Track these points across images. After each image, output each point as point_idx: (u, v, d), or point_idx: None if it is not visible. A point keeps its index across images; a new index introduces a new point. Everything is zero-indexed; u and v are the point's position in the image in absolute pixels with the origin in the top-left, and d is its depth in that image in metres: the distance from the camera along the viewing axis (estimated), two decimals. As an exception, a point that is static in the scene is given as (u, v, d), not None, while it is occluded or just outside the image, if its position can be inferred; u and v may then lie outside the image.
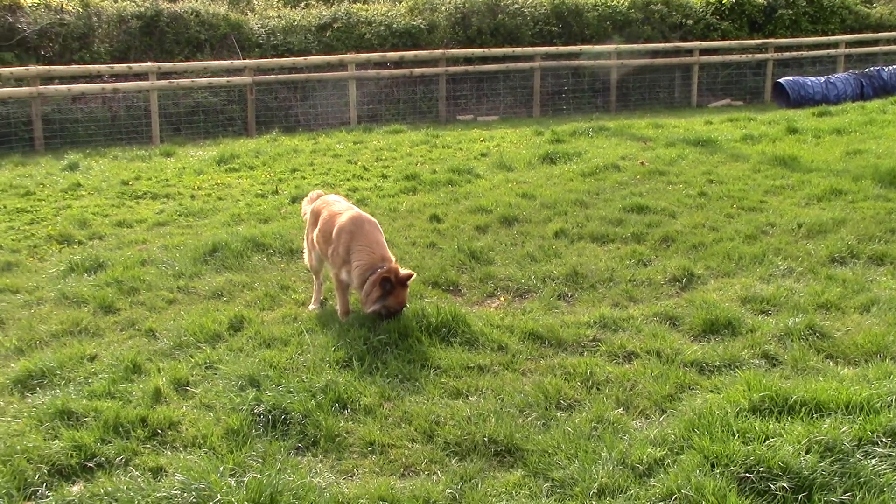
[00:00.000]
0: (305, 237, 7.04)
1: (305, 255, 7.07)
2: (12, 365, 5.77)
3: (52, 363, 5.64)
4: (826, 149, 12.49)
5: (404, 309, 6.17)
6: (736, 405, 4.61)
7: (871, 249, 7.51)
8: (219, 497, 3.80)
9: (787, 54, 23.34)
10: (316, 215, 6.75)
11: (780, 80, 20.82)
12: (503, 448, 4.49)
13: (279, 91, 19.35)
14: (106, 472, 4.35)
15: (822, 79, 20.57)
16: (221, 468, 4.13)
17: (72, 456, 4.43)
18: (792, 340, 5.67)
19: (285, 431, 4.69)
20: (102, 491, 4.10)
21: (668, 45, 22.51)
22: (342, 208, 6.62)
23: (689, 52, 22.47)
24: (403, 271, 6.15)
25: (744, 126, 15.70)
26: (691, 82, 22.56)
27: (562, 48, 21.41)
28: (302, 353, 5.71)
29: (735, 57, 22.86)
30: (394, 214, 9.49)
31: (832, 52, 23.93)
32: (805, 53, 23.61)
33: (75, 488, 4.19)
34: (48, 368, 5.58)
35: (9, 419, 4.94)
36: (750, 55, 23.01)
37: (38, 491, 4.17)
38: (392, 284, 6.01)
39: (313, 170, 12.90)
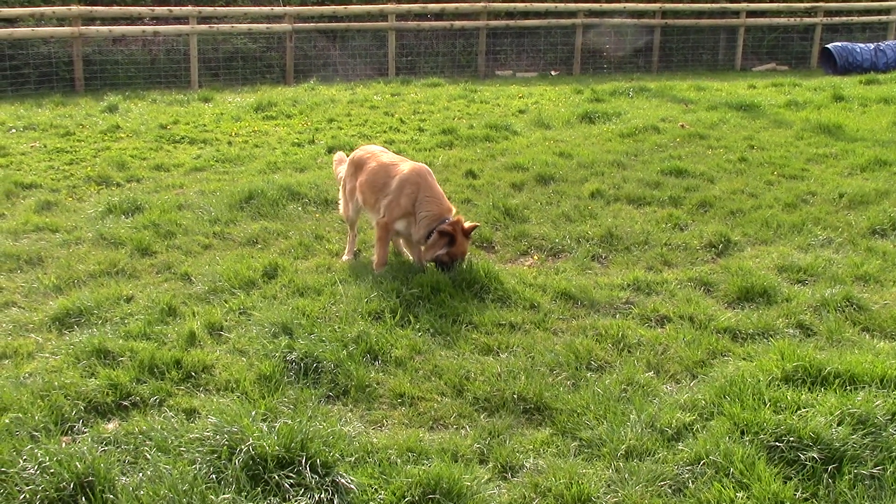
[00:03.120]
0: (342, 187, 7.03)
1: (341, 206, 7.08)
2: (50, 303, 5.87)
3: (89, 302, 5.74)
4: (872, 118, 12.22)
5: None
6: (768, 374, 4.58)
7: (915, 223, 7.37)
8: (250, 441, 3.84)
9: (836, 19, 22.74)
10: (359, 165, 6.72)
11: (827, 46, 20.31)
12: (532, 406, 4.50)
13: (318, 40, 19.26)
14: (141, 411, 4.43)
15: (872, 45, 20.02)
16: (253, 413, 4.18)
17: (107, 394, 4.51)
18: (828, 311, 5.60)
19: (316, 380, 4.74)
20: (137, 429, 4.18)
21: (714, 5, 22.03)
22: (395, 159, 6.66)
23: (736, 13, 22.00)
24: (468, 223, 6.34)
25: (788, 92, 15.40)
26: (736, 45, 22.11)
27: (605, 5, 21.04)
28: (335, 303, 5.75)
29: (782, 20, 22.34)
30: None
31: (884, 18, 23.27)
32: (855, 19, 23.00)
33: (111, 426, 4.27)
34: (85, 307, 5.68)
35: (47, 355, 5.04)
36: (798, 19, 22.46)
37: (74, 427, 4.25)
38: (455, 235, 6.17)
39: (350, 120, 12.87)
